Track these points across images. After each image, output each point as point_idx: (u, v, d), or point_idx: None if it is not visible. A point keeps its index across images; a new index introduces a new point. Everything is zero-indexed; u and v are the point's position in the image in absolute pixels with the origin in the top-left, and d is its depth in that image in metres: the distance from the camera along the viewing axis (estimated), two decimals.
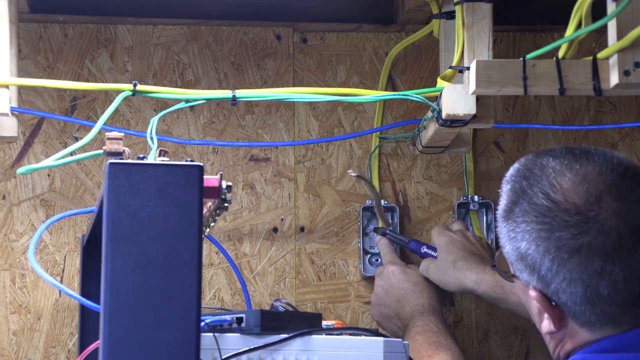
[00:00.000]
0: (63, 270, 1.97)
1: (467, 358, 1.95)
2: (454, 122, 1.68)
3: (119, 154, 1.27)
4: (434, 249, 1.91)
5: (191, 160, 1.20)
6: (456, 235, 1.89)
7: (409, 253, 1.99)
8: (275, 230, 2.00)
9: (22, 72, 1.92)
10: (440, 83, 1.70)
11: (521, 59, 1.54)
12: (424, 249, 1.95)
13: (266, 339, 1.49)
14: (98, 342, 1.20)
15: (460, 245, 1.86)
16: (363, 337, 1.54)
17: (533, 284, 1.31)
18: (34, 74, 1.97)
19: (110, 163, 1.19)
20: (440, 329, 1.81)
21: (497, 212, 1.36)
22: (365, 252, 2.01)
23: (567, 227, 1.27)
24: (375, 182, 2.01)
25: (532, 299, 1.32)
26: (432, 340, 1.78)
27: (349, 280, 2.01)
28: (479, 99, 1.65)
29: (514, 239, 1.32)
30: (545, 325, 1.33)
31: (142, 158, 1.22)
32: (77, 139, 1.96)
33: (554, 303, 1.31)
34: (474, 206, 2.01)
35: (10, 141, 1.88)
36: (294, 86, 2.00)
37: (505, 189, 1.36)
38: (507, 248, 1.33)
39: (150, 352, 1.16)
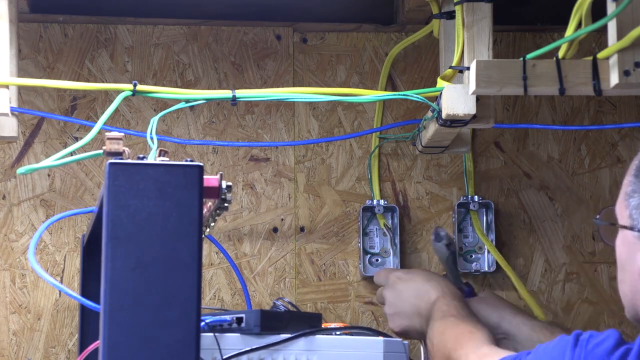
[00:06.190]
0: (63, 270, 1.97)
1: None
2: (454, 122, 1.68)
3: (119, 154, 1.27)
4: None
5: (191, 160, 1.20)
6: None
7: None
8: (275, 230, 2.00)
9: (22, 72, 1.92)
10: (440, 83, 1.70)
11: (521, 59, 1.54)
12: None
13: (266, 339, 1.49)
14: (98, 342, 1.20)
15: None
16: (363, 337, 1.54)
17: None
18: (34, 74, 1.97)
19: (110, 163, 1.19)
20: (468, 313, 1.73)
21: None
22: (365, 252, 2.01)
23: None
24: (375, 182, 2.01)
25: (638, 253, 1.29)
26: (464, 321, 1.69)
27: (349, 280, 2.01)
28: (479, 99, 1.65)
29: None
30: None
31: (142, 158, 1.22)
32: (77, 139, 1.96)
33: None
34: (474, 206, 2.01)
35: (10, 141, 1.88)
36: (294, 86, 2.00)
37: None
38: (638, 194, 1.30)
39: (150, 352, 1.16)
